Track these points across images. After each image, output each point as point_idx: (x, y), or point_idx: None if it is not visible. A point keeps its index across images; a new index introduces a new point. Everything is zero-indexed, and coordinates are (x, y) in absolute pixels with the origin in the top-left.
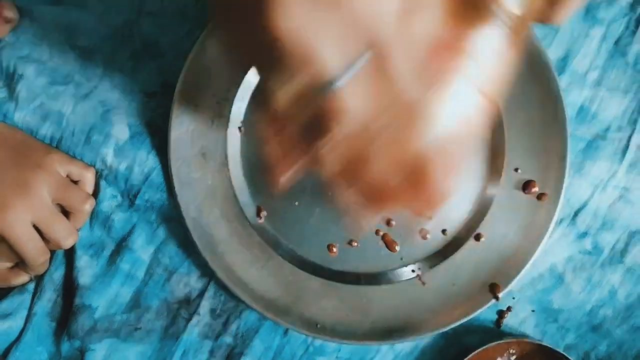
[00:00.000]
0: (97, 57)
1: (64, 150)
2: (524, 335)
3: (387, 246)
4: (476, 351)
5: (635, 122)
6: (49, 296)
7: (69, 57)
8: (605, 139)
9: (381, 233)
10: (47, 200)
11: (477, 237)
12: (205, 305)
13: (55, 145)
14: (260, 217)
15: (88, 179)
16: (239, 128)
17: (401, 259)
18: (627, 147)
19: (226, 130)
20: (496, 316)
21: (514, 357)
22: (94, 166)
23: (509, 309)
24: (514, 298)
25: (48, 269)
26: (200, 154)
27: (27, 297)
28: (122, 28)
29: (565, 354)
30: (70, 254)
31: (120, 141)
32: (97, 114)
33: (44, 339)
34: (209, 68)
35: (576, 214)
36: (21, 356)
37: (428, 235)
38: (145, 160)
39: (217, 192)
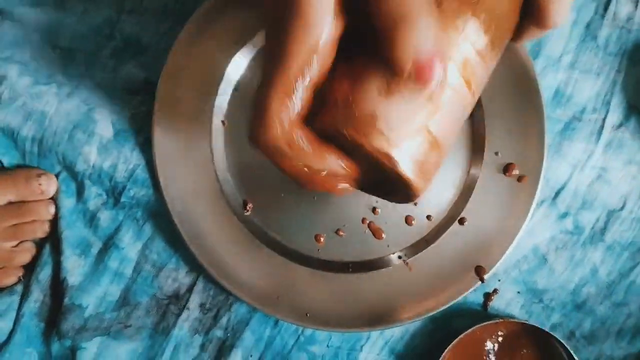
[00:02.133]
0: (79, 57)
1: (46, 150)
2: (510, 317)
3: (373, 234)
4: (464, 333)
5: (608, 103)
6: (36, 297)
7: (51, 57)
8: (581, 120)
9: (367, 221)
10: None
11: (461, 221)
12: (194, 300)
13: (37, 144)
14: (247, 210)
15: None
16: (222, 122)
17: (388, 246)
18: (602, 127)
19: (210, 124)
20: (483, 299)
21: (501, 337)
22: (76, 165)
23: (495, 291)
24: (499, 280)
25: (34, 270)
26: (184, 149)
27: (15, 299)
28: (103, 27)
29: (552, 333)
30: (57, 254)
31: (104, 139)
32: (81, 112)
33: (33, 339)
34: (190, 64)
35: (556, 194)
36: (11, 357)
37: (413, 222)
38: (130, 157)
39: (203, 186)
